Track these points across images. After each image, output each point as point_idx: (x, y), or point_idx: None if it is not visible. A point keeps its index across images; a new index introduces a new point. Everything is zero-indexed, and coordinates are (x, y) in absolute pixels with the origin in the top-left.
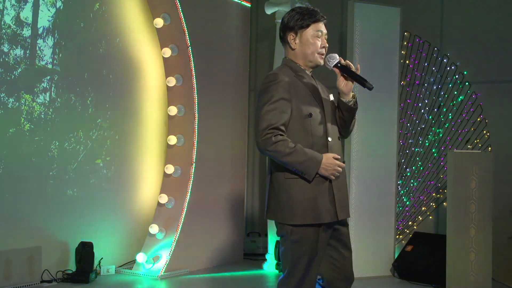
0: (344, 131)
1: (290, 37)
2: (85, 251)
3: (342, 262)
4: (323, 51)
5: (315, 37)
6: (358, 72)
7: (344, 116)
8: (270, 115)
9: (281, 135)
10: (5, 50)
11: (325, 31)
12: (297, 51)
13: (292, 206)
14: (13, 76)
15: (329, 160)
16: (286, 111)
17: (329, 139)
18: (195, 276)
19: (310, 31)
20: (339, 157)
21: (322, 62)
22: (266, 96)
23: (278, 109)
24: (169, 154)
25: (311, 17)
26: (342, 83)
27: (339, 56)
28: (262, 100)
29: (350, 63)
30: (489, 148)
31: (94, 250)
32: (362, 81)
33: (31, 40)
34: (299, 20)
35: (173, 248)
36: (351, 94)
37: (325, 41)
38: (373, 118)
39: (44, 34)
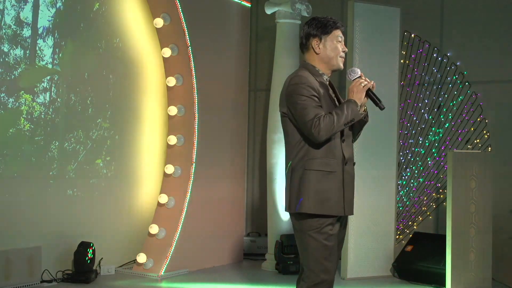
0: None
1: (315, 42)
2: (77, 251)
3: None
4: (344, 55)
5: (337, 42)
6: (373, 90)
7: (353, 126)
8: (311, 107)
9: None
10: (5, 50)
11: (343, 37)
12: (322, 55)
13: (309, 196)
14: (13, 76)
15: (350, 92)
16: (320, 104)
17: (344, 139)
18: (195, 276)
19: (332, 36)
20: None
21: (342, 66)
22: (300, 95)
23: (314, 103)
24: (169, 154)
25: (333, 24)
26: None
27: (361, 72)
28: (297, 98)
29: (368, 80)
30: (489, 148)
31: (94, 250)
32: (376, 100)
33: (31, 40)
34: (322, 27)
35: (173, 248)
36: (364, 107)
37: (345, 47)
38: (373, 118)
39: (44, 34)
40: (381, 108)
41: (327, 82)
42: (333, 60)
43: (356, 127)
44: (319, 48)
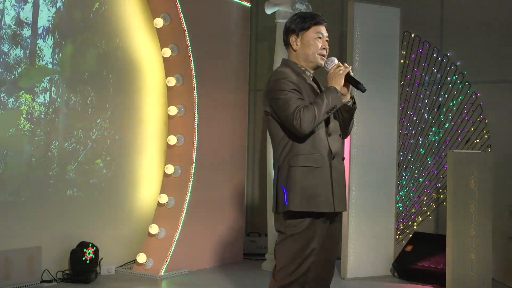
0: (343, 132)
1: (292, 39)
2: (74, 250)
3: (328, 260)
4: (324, 52)
5: (316, 38)
6: (351, 74)
7: (343, 117)
8: (292, 101)
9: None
10: (5, 50)
11: (326, 33)
12: (299, 52)
13: (295, 193)
14: (13, 76)
15: (329, 79)
16: (301, 98)
17: (330, 133)
18: (195, 276)
19: (311, 32)
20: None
21: (322, 63)
22: (280, 90)
23: (295, 96)
24: (169, 154)
25: (312, 19)
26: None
27: (338, 60)
28: (277, 93)
29: (347, 65)
30: (489, 148)
31: (95, 251)
32: (355, 84)
33: (31, 40)
34: (301, 22)
35: (173, 248)
36: (349, 95)
37: (326, 43)
38: (373, 118)
39: (44, 34)
40: (362, 90)
41: (311, 78)
42: (310, 57)
43: (346, 117)
44: (297, 45)
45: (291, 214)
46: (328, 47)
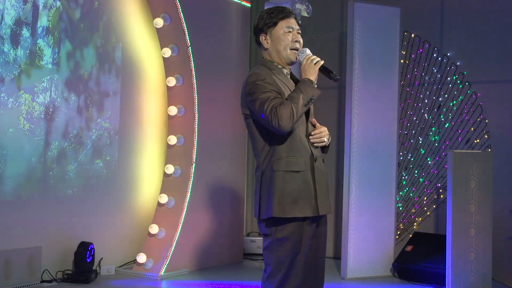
0: None
1: (262, 37)
2: (77, 251)
3: (316, 263)
4: (297, 45)
5: (286, 33)
6: (320, 64)
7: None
8: (268, 101)
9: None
10: (5, 50)
11: (296, 26)
12: (270, 49)
13: (278, 199)
14: (13, 76)
15: (303, 72)
16: (278, 96)
17: (310, 133)
18: (195, 276)
19: (279, 28)
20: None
21: (294, 58)
22: (257, 91)
23: (272, 95)
24: (169, 154)
25: (278, 14)
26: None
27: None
28: (254, 95)
29: (316, 57)
30: (489, 148)
31: (93, 250)
32: (328, 73)
33: (31, 40)
34: (267, 19)
35: (173, 248)
36: (327, 142)
37: (298, 35)
38: (373, 117)
39: (44, 34)
40: (335, 80)
41: (288, 75)
42: (282, 53)
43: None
44: (267, 43)
45: (275, 219)
46: (301, 39)
